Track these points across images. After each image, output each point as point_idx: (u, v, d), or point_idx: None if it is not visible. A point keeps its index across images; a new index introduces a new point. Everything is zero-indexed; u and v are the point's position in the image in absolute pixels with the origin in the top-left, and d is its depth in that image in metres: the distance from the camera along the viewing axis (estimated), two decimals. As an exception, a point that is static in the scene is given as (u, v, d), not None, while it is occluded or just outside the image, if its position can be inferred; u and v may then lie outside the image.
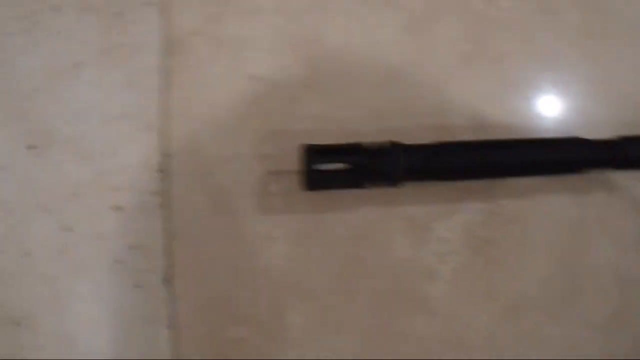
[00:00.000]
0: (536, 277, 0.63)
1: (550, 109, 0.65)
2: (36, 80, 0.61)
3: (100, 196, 0.60)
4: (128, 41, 0.62)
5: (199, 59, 0.62)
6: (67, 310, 0.59)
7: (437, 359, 0.61)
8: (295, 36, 0.63)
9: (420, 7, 0.65)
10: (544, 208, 0.63)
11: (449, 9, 0.65)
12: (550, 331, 0.63)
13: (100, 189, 0.60)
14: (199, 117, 0.61)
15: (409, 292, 0.61)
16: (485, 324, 0.62)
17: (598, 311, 0.63)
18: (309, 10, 0.64)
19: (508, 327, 0.62)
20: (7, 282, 0.59)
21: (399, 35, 0.64)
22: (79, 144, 0.61)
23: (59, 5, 0.62)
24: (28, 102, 0.61)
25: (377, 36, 0.64)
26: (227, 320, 0.60)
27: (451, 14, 0.65)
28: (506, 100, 0.65)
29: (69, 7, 0.62)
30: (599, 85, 0.66)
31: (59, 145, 0.61)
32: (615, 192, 0.64)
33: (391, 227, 0.62)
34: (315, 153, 0.55)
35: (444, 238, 0.62)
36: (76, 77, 0.61)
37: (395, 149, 0.57)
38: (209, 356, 0.59)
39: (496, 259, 0.63)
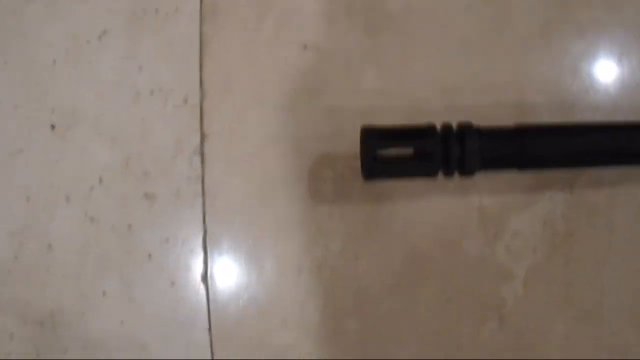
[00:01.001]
0: (620, 278, 0.55)
1: (638, 84, 0.56)
2: (58, 52, 0.54)
3: (130, 183, 0.53)
4: (162, 5, 0.55)
5: (242, 26, 0.55)
6: (93, 310, 0.53)
7: (509, 371, 0.54)
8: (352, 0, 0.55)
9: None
10: (631, 199, 0.56)
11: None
12: (633, 339, 0.55)
13: (130, 174, 0.53)
14: (241, 93, 0.54)
15: (479, 294, 0.54)
16: (562, 330, 0.54)
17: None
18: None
19: (586, 334, 0.55)
20: (28, 278, 0.54)
21: (472, 1, 0.56)
22: (106, 123, 0.54)
23: (83, -34, 0.55)
24: (49, 77, 0.54)
25: (446, 2, 0.55)
26: (272, 325, 0.53)
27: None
28: (593, 76, 0.56)
29: (95, -32, 0.55)
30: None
31: (84, 126, 0.54)
32: None
33: (460, 220, 0.54)
34: (374, 137, 0.48)
35: (520, 232, 0.54)
36: (103, 47, 0.54)
37: (469, 133, 0.48)
38: (252, 365, 0.52)
39: (577, 256, 0.55)
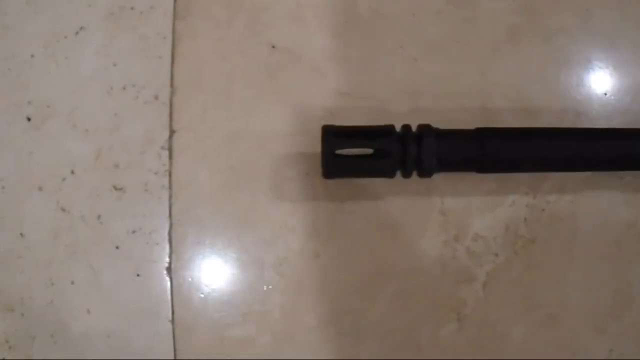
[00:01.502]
0: (581, 284, 0.56)
1: (608, 94, 0.57)
2: (36, 46, 0.56)
3: (100, 175, 0.55)
4: (138, 3, 0.56)
5: (214, 24, 0.56)
6: (61, 298, 0.54)
7: (467, 371, 0.54)
8: (321, 1, 0.56)
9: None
10: (594, 206, 0.56)
11: (498, -25, 0.57)
12: (594, 345, 0.55)
13: (100, 167, 0.55)
14: (210, 90, 0.55)
15: (439, 295, 0.55)
16: (521, 333, 0.55)
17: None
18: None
19: (546, 337, 0.55)
20: (0, 265, 0.54)
21: (440, 5, 0.56)
22: (80, 116, 0.55)
23: (63, -37, 0.56)
24: (28, 71, 0.56)
25: (415, 4, 0.56)
26: (233, 318, 0.54)
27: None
28: (557, 82, 0.57)
29: (74, -35, 0.56)
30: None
31: (58, 118, 0.55)
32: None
33: (421, 222, 0.55)
34: (334, 135, 0.48)
35: (482, 236, 0.55)
36: (79, 43, 0.56)
37: (427, 133, 0.49)
38: (211, 356, 0.53)
39: (538, 261, 0.56)
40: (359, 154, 0.49)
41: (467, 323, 0.55)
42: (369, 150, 0.49)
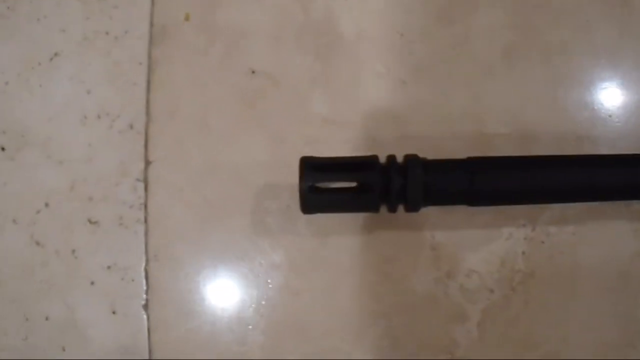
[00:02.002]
0: (585, 320, 0.52)
1: (612, 116, 0.53)
2: (10, 72, 0.54)
3: (75, 208, 0.53)
4: (113, 28, 0.54)
5: (191, 50, 0.53)
6: (36, 334, 0.52)
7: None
8: (302, 23, 0.53)
9: (456, -11, 0.54)
10: (598, 237, 0.52)
11: (492, -8, 0.54)
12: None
13: (74, 199, 0.53)
14: (187, 118, 0.53)
15: (429, 336, 0.51)
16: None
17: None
18: (320, -8, 0.54)
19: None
20: (-28, 300, 0.53)
21: (430, 24, 0.53)
22: (54, 146, 0.53)
23: (38, -13, 0.55)
24: (1, 99, 0.54)
25: (402, 23, 0.53)
26: (211, 357, 0.51)
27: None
28: (557, 104, 0.53)
29: (49, -10, 0.55)
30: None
31: (33, 148, 0.53)
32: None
33: (411, 257, 0.52)
34: (313, 169, 0.45)
35: (476, 271, 0.52)
36: (54, 69, 0.54)
37: (413, 165, 0.46)
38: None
39: (538, 297, 0.52)
40: (339, 188, 0.46)
41: (461, 364, 0.51)
42: (350, 183, 0.46)
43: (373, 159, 0.46)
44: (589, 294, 0.52)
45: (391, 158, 0.47)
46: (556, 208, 0.52)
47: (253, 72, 0.53)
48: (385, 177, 0.45)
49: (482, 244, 0.52)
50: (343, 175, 0.45)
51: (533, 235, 0.52)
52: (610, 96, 0.53)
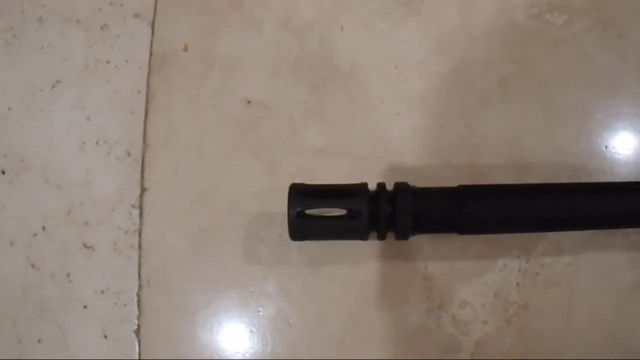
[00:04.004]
0: (581, 353, 0.51)
1: (609, 147, 0.52)
2: (13, 98, 0.55)
3: (71, 232, 0.53)
4: (114, 57, 0.55)
5: (189, 79, 0.54)
6: (28, 356, 0.53)
7: None
8: (298, 54, 0.54)
9: (452, 22, 0.54)
10: (595, 268, 0.51)
11: (487, 24, 0.54)
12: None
13: (71, 223, 0.53)
14: (183, 146, 0.53)
15: (422, 367, 0.51)
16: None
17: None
18: (316, 24, 0.54)
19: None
20: (-33, 321, 0.53)
21: (425, 55, 0.54)
22: (53, 171, 0.54)
23: (43, 17, 0.56)
24: (3, 124, 0.55)
25: (397, 56, 0.54)
26: (201, 386, 0.51)
27: (490, 31, 0.54)
28: (553, 135, 0.53)
29: (54, 19, 0.56)
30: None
31: (32, 172, 0.54)
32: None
33: (403, 287, 0.51)
34: (301, 195, 0.45)
35: (469, 303, 0.51)
36: (55, 96, 0.55)
37: (402, 192, 0.46)
38: None
39: (533, 330, 0.51)
40: (328, 215, 0.46)
41: (453, 398, 0.50)
42: (340, 211, 0.46)
43: (362, 186, 0.46)
44: (585, 326, 0.51)
45: (381, 186, 0.47)
46: (551, 239, 0.51)
47: (248, 102, 0.54)
48: (374, 204, 0.46)
49: (475, 275, 0.51)
50: (331, 201, 0.46)
51: (527, 266, 0.51)
52: (606, 127, 0.53)
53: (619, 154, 0.53)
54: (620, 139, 0.53)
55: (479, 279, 0.51)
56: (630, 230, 0.52)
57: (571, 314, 0.51)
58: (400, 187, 0.46)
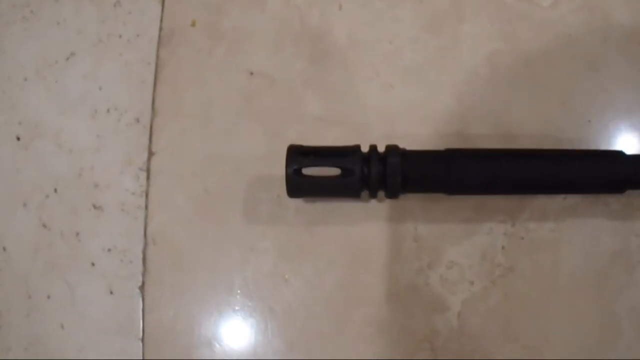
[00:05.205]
0: (565, 315, 0.53)
1: (592, 121, 0.55)
2: (29, 70, 0.59)
3: (81, 193, 0.56)
4: (126, 31, 0.59)
5: (196, 51, 0.58)
6: (37, 312, 0.55)
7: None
8: (299, 29, 0.57)
9: (444, 2, 0.57)
10: (577, 234, 0.54)
11: (476, 3, 0.57)
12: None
13: (81, 186, 0.56)
14: (189, 114, 0.57)
15: (411, 324, 0.53)
16: (500, 368, 0.53)
17: (638, 361, 0.52)
18: (317, 1, 0.58)
19: (526, 370, 0.53)
20: (-19, 277, 0.56)
21: (417, 33, 0.57)
22: (65, 137, 0.58)
23: (59, -6, 0.60)
24: (20, 93, 0.59)
25: (391, 32, 0.57)
26: (200, 339, 0.53)
27: (479, 10, 0.57)
28: (538, 108, 0.56)
29: (70, -3, 0.60)
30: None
31: (46, 138, 0.58)
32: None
33: (394, 247, 0.54)
34: (296, 154, 0.49)
35: (457, 264, 0.54)
36: (69, 68, 0.59)
37: (392, 152, 0.49)
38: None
39: (517, 291, 0.53)
40: (322, 174, 0.49)
41: (442, 354, 0.53)
42: (334, 170, 0.49)
43: (355, 147, 0.50)
44: (568, 290, 0.53)
45: (372, 147, 0.50)
46: (535, 206, 0.54)
47: (252, 73, 0.57)
48: (365, 164, 0.49)
49: (463, 238, 0.54)
50: (326, 160, 0.49)
51: (513, 230, 0.54)
52: (589, 102, 0.56)
53: (600, 128, 0.56)
54: (602, 113, 0.56)
55: (466, 241, 0.54)
56: (612, 199, 0.54)
57: (555, 277, 0.54)
58: (391, 149, 0.50)
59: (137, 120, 0.57)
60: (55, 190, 0.57)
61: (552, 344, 0.53)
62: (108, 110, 0.57)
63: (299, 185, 0.49)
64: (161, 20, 0.58)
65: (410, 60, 0.57)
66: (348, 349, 0.53)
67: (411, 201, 0.54)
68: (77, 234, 0.56)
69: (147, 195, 0.55)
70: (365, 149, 0.50)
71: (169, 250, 0.55)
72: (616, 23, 0.57)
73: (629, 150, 0.53)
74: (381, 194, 0.51)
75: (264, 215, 0.55)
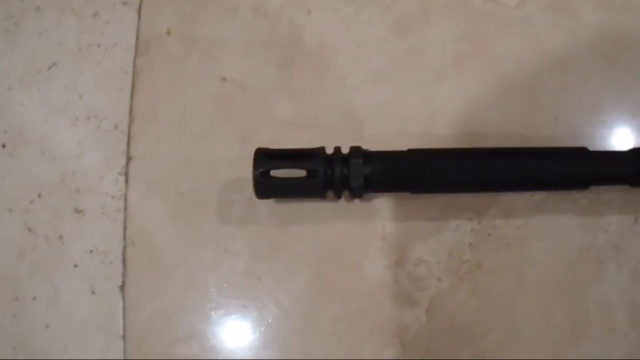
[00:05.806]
0: (533, 310, 0.54)
1: (559, 119, 0.57)
2: (13, 79, 0.61)
3: (63, 198, 0.59)
4: (103, 41, 0.61)
5: (171, 59, 0.60)
6: (23, 313, 0.58)
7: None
8: (269, 36, 0.59)
9: (410, 6, 0.59)
10: (545, 231, 0.55)
11: (443, 6, 0.59)
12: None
13: (64, 190, 0.59)
14: (165, 120, 0.59)
15: (380, 320, 0.55)
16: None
17: (606, 354, 0.53)
18: (286, 9, 0.60)
19: (493, 365, 0.54)
20: (-32, 280, 0.59)
21: (385, 35, 0.58)
22: (48, 144, 0.60)
23: (40, 6, 0.62)
24: (5, 102, 0.61)
25: (359, 36, 0.59)
26: (179, 336, 0.55)
27: (446, 13, 0.59)
28: (505, 107, 0.57)
29: (51, 8, 0.62)
30: (615, 92, 0.57)
31: (29, 145, 0.60)
32: (630, 213, 0.54)
33: (363, 245, 0.55)
34: (263, 157, 0.50)
35: (424, 261, 0.55)
36: (51, 77, 0.61)
37: (355, 153, 0.51)
38: (155, 373, 0.55)
39: (485, 288, 0.55)
40: (288, 176, 0.51)
41: (411, 349, 0.54)
42: (299, 171, 0.51)
43: (319, 150, 0.51)
44: (536, 286, 0.54)
45: (337, 149, 0.52)
46: (502, 203, 0.55)
47: (224, 79, 0.59)
48: (329, 165, 0.50)
49: (430, 235, 0.55)
50: (292, 162, 0.51)
51: (480, 227, 0.55)
52: (556, 100, 0.57)
53: (568, 125, 0.57)
54: (569, 110, 0.57)
55: (434, 238, 0.55)
56: (579, 195, 0.55)
57: (522, 273, 0.55)
58: (354, 150, 0.51)
59: (116, 127, 0.59)
60: (39, 195, 0.59)
61: (521, 339, 0.54)
62: (88, 118, 0.59)
63: (267, 187, 0.51)
64: (138, 30, 0.60)
65: (377, 63, 0.58)
66: (321, 347, 0.55)
67: (379, 200, 0.55)
68: (61, 237, 0.58)
69: (126, 199, 0.58)
70: (331, 151, 0.52)
71: (147, 251, 0.57)
72: (583, 21, 0.58)
73: (596, 147, 0.54)
74: (347, 193, 0.53)
75: (236, 217, 0.56)
